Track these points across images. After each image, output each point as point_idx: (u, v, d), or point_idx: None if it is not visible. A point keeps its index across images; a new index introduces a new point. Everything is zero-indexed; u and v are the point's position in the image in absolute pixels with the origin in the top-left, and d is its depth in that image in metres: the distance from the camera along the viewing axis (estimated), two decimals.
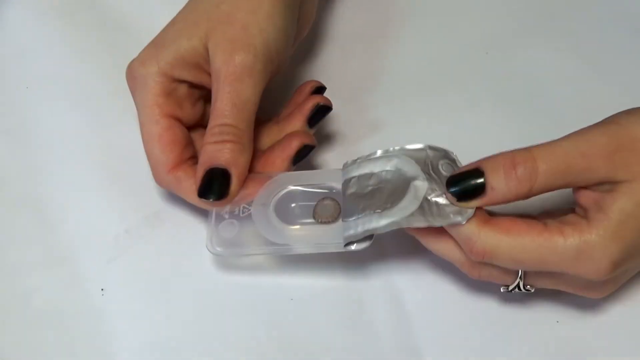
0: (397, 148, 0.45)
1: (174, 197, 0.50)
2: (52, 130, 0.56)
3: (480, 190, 0.41)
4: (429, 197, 0.42)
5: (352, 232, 0.43)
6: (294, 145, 0.48)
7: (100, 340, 0.48)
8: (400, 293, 0.49)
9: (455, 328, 0.47)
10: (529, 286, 0.45)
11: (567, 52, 0.58)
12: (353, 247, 0.44)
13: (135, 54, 0.50)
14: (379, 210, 0.43)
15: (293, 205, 0.47)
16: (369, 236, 0.44)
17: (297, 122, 0.49)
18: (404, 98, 0.58)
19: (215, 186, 0.45)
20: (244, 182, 0.47)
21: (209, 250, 0.46)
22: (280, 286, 0.49)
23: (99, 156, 0.55)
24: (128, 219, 0.52)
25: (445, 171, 0.43)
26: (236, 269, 0.50)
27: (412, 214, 0.41)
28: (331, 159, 0.55)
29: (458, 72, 0.59)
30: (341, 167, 0.47)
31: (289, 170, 0.48)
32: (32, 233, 0.52)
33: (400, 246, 0.48)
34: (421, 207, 0.42)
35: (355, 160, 0.46)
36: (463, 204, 0.41)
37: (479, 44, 0.60)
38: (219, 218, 0.47)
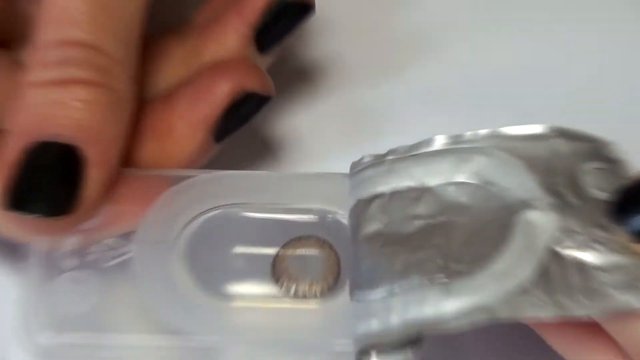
0: (483, 133, 0.29)
1: None
2: None
3: None
4: (560, 249, 0.27)
5: (375, 326, 0.27)
6: (222, 91, 0.31)
7: None
8: None
9: None
10: None
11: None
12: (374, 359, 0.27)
13: None
14: (443, 277, 0.27)
15: (232, 251, 0.29)
16: (413, 338, 0.27)
17: (230, 37, 0.33)
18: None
19: (46, 184, 0.29)
20: (113, 181, 0.30)
21: (22, 343, 0.28)
22: None
23: None
24: None
25: (597, 186, 0.28)
26: None
27: (522, 289, 0.26)
28: (314, 135, 0.37)
29: None
30: (348, 167, 0.30)
31: (208, 150, 0.32)
32: None
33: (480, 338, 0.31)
34: (544, 273, 0.27)
35: (384, 156, 0.29)
36: None
37: None
38: (52, 266, 0.29)
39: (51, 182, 0.28)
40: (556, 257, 0.26)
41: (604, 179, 0.28)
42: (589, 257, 0.26)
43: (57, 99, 0.28)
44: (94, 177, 0.28)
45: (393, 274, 0.27)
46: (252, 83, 0.31)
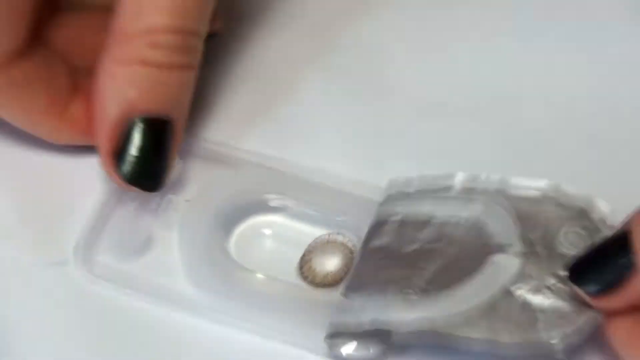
0: (495, 178, 0.32)
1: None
2: None
3: (623, 273, 0.28)
4: (513, 289, 0.30)
5: (350, 318, 0.30)
6: None
7: None
8: None
9: None
10: None
11: None
12: (342, 351, 0.30)
13: None
14: (413, 293, 0.30)
15: (265, 231, 0.32)
16: (383, 336, 0.30)
17: None
18: None
19: (156, 161, 0.31)
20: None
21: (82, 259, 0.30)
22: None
23: None
24: None
25: (567, 245, 0.31)
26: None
27: (467, 314, 0.29)
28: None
29: None
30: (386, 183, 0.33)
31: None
32: None
33: None
34: (491, 306, 0.29)
35: (411, 182, 0.33)
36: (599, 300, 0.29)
37: None
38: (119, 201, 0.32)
39: (157, 157, 0.30)
40: (508, 295, 0.29)
41: (580, 239, 0.30)
42: (535, 299, 0.29)
43: (162, 80, 0.30)
44: (176, 150, 0.31)
45: (376, 283, 0.30)
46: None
